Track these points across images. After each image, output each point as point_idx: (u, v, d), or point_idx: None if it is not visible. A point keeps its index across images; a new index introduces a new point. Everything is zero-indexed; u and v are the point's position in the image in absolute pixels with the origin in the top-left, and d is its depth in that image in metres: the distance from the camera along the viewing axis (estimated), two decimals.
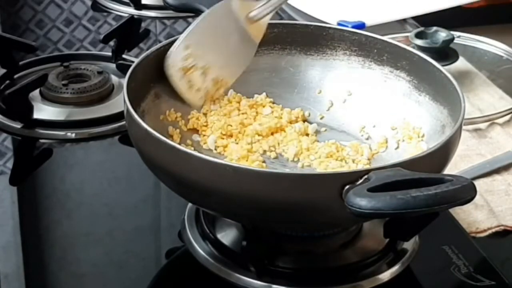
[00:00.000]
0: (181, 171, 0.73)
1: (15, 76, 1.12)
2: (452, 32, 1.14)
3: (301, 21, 1.25)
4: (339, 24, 1.21)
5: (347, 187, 0.68)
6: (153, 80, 0.87)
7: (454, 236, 0.86)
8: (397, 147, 0.87)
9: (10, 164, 0.99)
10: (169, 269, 0.84)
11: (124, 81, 0.80)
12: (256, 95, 0.93)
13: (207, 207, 0.80)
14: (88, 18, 1.33)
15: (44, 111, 1.04)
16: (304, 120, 0.92)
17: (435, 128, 0.85)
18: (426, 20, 1.26)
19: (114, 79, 1.11)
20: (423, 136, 0.86)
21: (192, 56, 0.87)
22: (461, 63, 1.15)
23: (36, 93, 1.06)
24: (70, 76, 1.10)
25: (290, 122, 0.91)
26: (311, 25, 0.94)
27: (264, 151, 0.87)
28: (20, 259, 0.85)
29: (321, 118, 0.92)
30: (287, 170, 0.84)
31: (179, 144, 0.80)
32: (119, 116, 1.02)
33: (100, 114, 1.05)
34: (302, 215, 0.72)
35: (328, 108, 0.93)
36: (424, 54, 0.88)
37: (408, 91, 0.89)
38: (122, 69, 1.14)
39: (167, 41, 0.88)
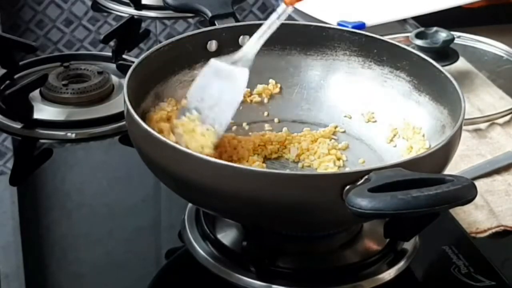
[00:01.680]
0: (181, 171, 0.73)
1: (15, 76, 1.12)
2: (452, 32, 1.14)
3: (301, 21, 1.25)
4: (339, 24, 1.21)
5: (347, 187, 0.68)
6: (153, 80, 0.87)
7: (454, 236, 0.86)
8: (397, 147, 0.87)
9: (10, 164, 0.99)
10: (169, 269, 0.84)
11: (124, 82, 0.80)
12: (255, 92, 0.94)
13: (207, 207, 0.80)
14: (88, 18, 1.33)
15: (44, 111, 1.04)
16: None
17: (435, 128, 0.85)
18: (426, 20, 1.26)
19: (114, 79, 1.11)
20: (423, 136, 0.86)
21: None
22: (461, 63, 1.15)
23: (36, 93, 1.06)
24: (70, 76, 1.10)
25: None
26: (311, 25, 0.95)
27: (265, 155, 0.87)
28: (20, 259, 0.85)
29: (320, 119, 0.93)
30: (287, 171, 0.84)
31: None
32: (119, 116, 1.02)
33: (100, 114, 1.05)
34: (303, 215, 0.72)
35: (328, 108, 0.93)
36: (424, 54, 0.88)
37: (408, 91, 0.89)
38: (122, 69, 1.13)
39: (167, 41, 0.89)
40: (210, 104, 0.84)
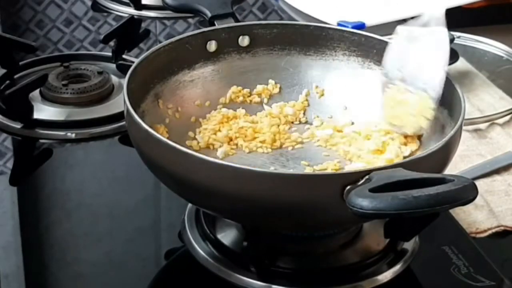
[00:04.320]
0: (181, 171, 0.73)
1: (15, 76, 1.12)
2: (452, 33, 1.13)
3: (301, 21, 1.25)
4: (339, 24, 1.21)
5: (348, 187, 0.68)
6: (153, 80, 0.87)
7: (454, 236, 0.86)
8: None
9: (10, 164, 0.99)
10: (169, 269, 0.84)
11: (124, 82, 0.81)
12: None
13: (207, 208, 0.80)
14: (88, 18, 1.33)
15: (44, 111, 1.04)
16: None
17: (435, 128, 0.85)
18: None
19: (114, 79, 1.11)
20: (420, 136, 0.86)
21: None
22: (461, 64, 1.15)
23: (36, 93, 1.06)
24: (70, 76, 1.10)
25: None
26: (311, 25, 0.95)
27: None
28: (20, 259, 0.85)
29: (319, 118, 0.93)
30: (290, 171, 0.84)
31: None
32: (119, 116, 1.02)
33: (100, 114, 1.05)
34: (303, 215, 0.72)
35: (327, 108, 0.93)
36: None
37: None
38: (122, 69, 1.14)
39: (167, 41, 0.89)
40: (413, 70, 0.82)
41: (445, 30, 0.82)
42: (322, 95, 0.93)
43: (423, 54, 0.82)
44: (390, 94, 0.82)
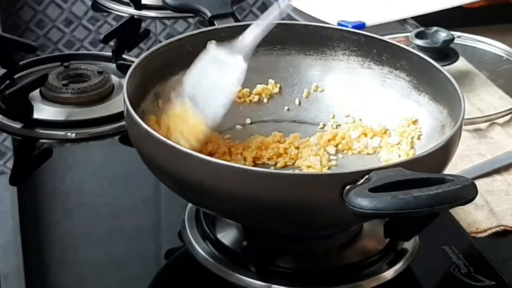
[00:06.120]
0: (181, 171, 0.73)
1: (15, 76, 1.12)
2: (452, 32, 1.14)
3: (301, 21, 1.25)
4: (339, 24, 1.21)
5: (348, 187, 0.68)
6: (153, 80, 0.87)
7: (454, 236, 0.86)
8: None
9: (10, 164, 0.99)
10: (169, 269, 0.84)
11: (124, 81, 0.80)
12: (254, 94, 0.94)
13: (207, 207, 0.80)
14: (88, 18, 1.33)
15: (44, 111, 1.04)
16: None
17: (435, 128, 0.85)
18: (426, 20, 1.26)
19: (114, 79, 1.11)
20: (420, 135, 0.86)
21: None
22: (461, 63, 1.15)
23: (36, 93, 1.06)
24: (70, 76, 1.10)
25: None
26: (311, 25, 0.95)
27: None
28: (20, 259, 0.85)
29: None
30: (290, 171, 0.84)
31: None
32: (119, 116, 1.02)
33: (100, 114, 1.05)
34: (303, 215, 0.72)
35: (327, 108, 0.93)
36: (423, 54, 0.88)
37: (407, 91, 0.89)
38: (122, 69, 1.13)
39: (167, 41, 0.89)
40: (203, 92, 0.82)
41: (241, 61, 0.81)
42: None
43: (215, 79, 0.82)
44: (179, 108, 0.82)
